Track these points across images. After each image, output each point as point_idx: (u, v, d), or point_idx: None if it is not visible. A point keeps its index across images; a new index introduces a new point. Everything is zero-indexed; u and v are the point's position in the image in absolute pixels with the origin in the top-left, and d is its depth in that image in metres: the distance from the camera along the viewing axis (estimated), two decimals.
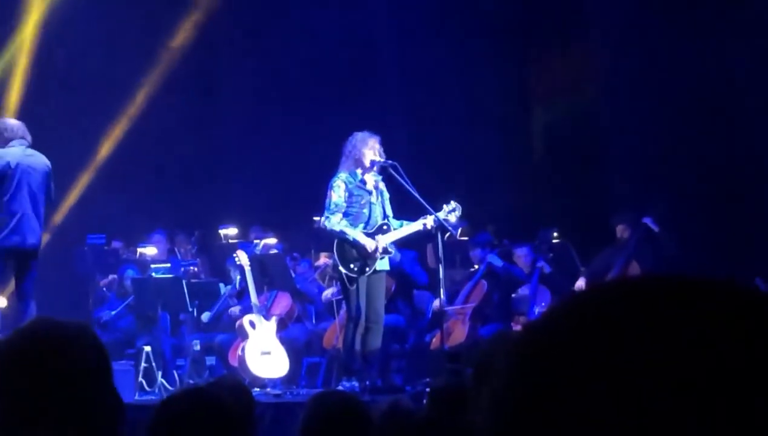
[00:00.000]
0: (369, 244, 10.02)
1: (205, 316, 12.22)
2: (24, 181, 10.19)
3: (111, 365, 2.54)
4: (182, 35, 16.30)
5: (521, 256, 12.49)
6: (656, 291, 0.93)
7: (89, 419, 2.36)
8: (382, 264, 10.22)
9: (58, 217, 14.85)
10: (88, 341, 2.47)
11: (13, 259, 10.20)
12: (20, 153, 10.26)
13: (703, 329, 0.89)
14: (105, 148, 16.07)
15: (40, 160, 10.47)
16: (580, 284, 12.03)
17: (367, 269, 10.08)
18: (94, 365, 2.44)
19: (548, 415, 0.89)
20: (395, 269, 11.19)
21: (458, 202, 10.29)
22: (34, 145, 10.36)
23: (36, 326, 2.52)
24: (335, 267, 10.34)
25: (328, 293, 12.27)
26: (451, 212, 10.15)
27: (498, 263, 12.30)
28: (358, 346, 10.11)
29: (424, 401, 5.88)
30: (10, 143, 10.30)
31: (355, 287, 10.06)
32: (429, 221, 10.10)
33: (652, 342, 0.88)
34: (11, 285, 10.48)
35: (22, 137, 10.41)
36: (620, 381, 0.87)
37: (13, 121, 10.63)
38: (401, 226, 10.25)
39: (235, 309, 12.12)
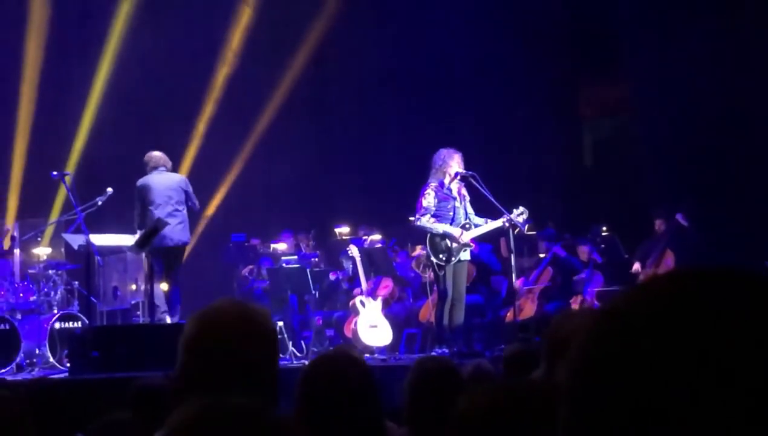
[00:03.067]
0: (455, 231, 10.09)
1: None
2: (161, 197, 10.51)
3: (278, 338, 2.61)
4: (297, 65, 16.41)
5: (583, 248, 12.47)
6: (709, 282, 0.89)
7: (266, 381, 2.37)
8: (464, 255, 10.24)
9: (204, 222, 15.06)
10: (267, 320, 2.46)
11: (163, 255, 10.51)
12: (159, 176, 10.61)
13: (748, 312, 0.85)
14: (240, 162, 16.25)
15: (175, 179, 10.82)
16: (636, 267, 11.98)
17: (453, 258, 10.14)
18: (270, 336, 2.46)
19: (624, 379, 0.86)
20: (475, 259, 11.22)
21: (523, 205, 10.28)
22: (179, 163, 10.57)
23: (229, 305, 2.47)
24: (428, 257, 10.40)
25: (426, 276, 12.32)
26: (520, 215, 10.17)
27: (562, 253, 12.29)
28: (446, 320, 10.18)
29: (501, 364, 5.82)
30: (154, 171, 10.65)
31: (443, 273, 10.13)
32: (504, 221, 10.17)
33: (719, 326, 0.84)
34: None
35: (163, 165, 10.76)
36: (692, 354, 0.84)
37: (156, 153, 10.87)
38: (485, 223, 10.31)
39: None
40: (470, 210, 10.36)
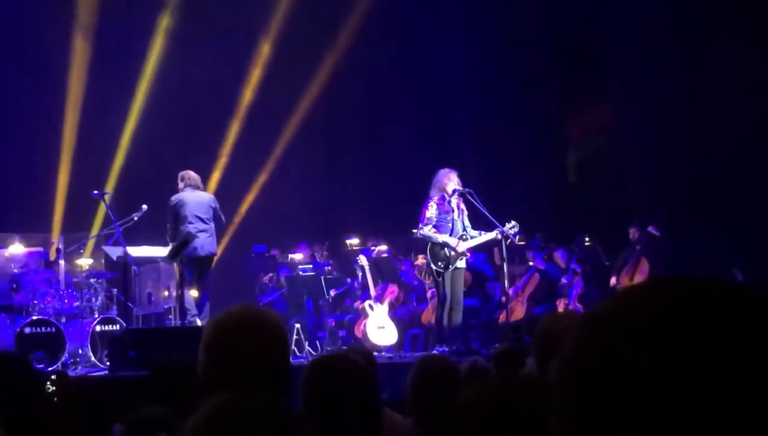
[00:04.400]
0: (452, 241, 10.11)
1: (331, 292, 12.22)
2: (192, 213, 10.54)
3: (288, 338, 2.60)
4: (311, 93, 16.43)
5: (556, 254, 12.49)
6: (688, 290, 0.88)
7: (278, 377, 2.39)
8: (461, 263, 10.27)
9: (229, 234, 15.07)
10: (277, 322, 2.49)
11: (194, 264, 10.52)
12: (191, 194, 10.65)
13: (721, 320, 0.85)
14: (261, 180, 16.27)
15: (204, 196, 10.87)
16: (613, 280, 11.97)
17: (451, 266, 10.15)
18: (281, 337, 2.47)
19: (611, 377, 0.85)
20: (470, 267, 11.20)
21: (514, 218, 10.27)
22: (206, 181, 10.62)
23: (243, 309, 2.49)
24: (428, 264, 10.40)
25: (428, 282, 12.32)
26: (511, 228, 10.18)
27: (542, 265, 12.28)
28: (445, 321, 10.18)
29: None
30: (187, 188, 10.69)
31: (441, 278, 10.15)
32: (497, 233, 10.16)
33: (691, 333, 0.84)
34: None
35: (196, 185, 10.81)
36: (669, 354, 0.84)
37: (191, 173, 10.94)
38: (479, 235, 10.30)
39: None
40: (467, 223, 10.37)
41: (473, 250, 10.58)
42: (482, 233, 10.29)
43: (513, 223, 10.18)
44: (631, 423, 0.84)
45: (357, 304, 12.02)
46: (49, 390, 3.34)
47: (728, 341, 0.83)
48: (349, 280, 12.69)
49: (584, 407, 0.87)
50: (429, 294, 11.98)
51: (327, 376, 2.95)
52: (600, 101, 15.43)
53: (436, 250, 10.16)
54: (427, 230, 10.17)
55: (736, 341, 0.83)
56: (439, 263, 10.12)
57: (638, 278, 11.65)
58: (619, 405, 0.84)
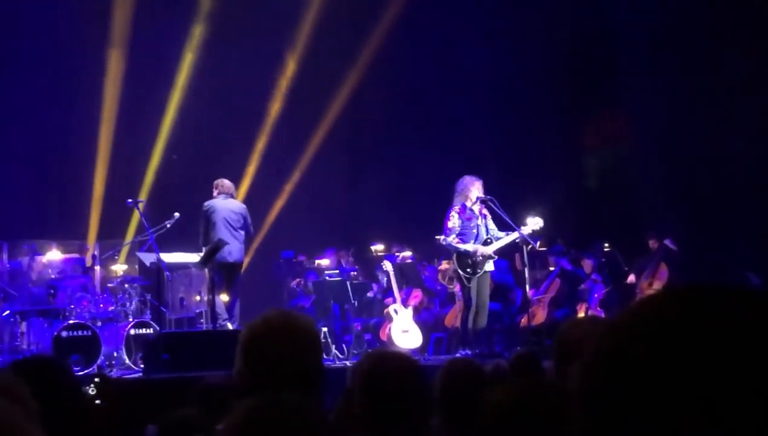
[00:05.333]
0: (475, 248, 10.11)
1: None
2: (224, 220, 10.59)
3: (321, 343, 2.60)
4: (336, 104, 16.46)
5: (587, 261, 12.43)
6: (708, 298, 0.89)
7: (311, 379, 2.41)
8: (488, 266, 10.26)
9: (258, 241, 15.10)
10: (310, 327, 2.52)
11: (224, 270, 10.56)
12: (222, 202, 10.70)
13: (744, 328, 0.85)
14: (288, 188, 16.32)
15: (235, 205, 10.92)
16: (631, 278, 11.94)
17: (478, 271, 10.15)
18: (315, 341, 2.50)
19: (629, 386, 0.86)
20: (492, 276, 11.17)
21: None
22: (237, 187, 10.68)
23: (278, 315, 2.52)
24: (456, 271, 10.38)
25: (452, 287, 12.30)
26: (536, 224, 10.17)
27: (569, 266, 12.25)
28: (470, 325, 10.17)
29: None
30: (220, 196, 10.74)
31: (469, 284, 10.15)
32: (518, 235, 10.14)
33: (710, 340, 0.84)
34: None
35: (229, 193, 10.86)
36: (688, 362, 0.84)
37: (227, 182, 11.01)
38: (506, 235, 10.25)
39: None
40: (492, 226, 10.37)
41: (498, 253, 10.53)
42: (508, 233, 10.27)
43: (537, 218, 10.18)
44: (648, 430, 0.84)
45: (388, 301, 11.99)
46: (92, 392, 3.36)
47: (746, 350, 0.83)
48: (374, 285, 12.68)
49: (604, 413, 0.88)
50: (457, 291, 11.99)
51: (385, 367, 2.90)
52: (617, 110, 15.39)
53: (463, 258, 10.17)
54: (451, 240, 10.17)
55: (755, 351, 0.83)
56: (467, 269, 10.12)
57: (657, 284, 11.62)
58: (637, 413, 0.85)
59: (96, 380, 3.53)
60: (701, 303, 0.88)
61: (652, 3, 14.14)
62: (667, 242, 11.77)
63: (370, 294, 12.58)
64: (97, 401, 3.32)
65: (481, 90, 15.81)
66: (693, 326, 0.86)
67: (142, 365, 9.75)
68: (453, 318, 11.73)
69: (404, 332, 11.28)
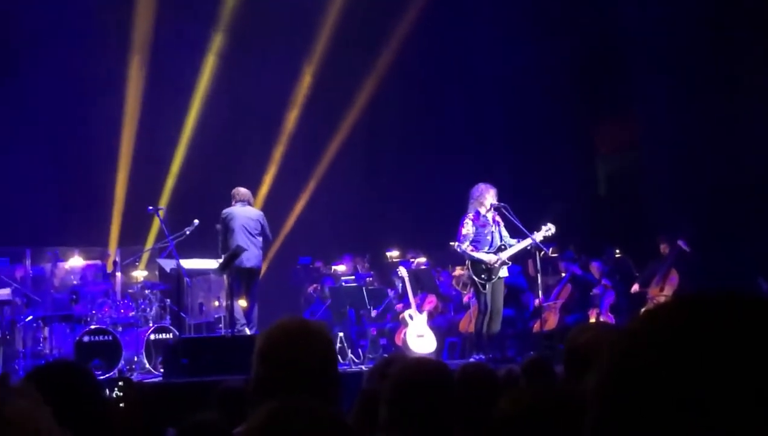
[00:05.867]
0: (490, 258, 10.10)
1: (373, 312, 12.29)
2: (241, 227, 10.61)
3: (335, 346, 2.60)
4: (352, 115, 16.48)
5: (594, 265, 12.40)
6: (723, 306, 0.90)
7: (327, 383, 2.40)
8: (503, 272, 10.25)
9: (276, 247, 15.12)
10: (324, 332, 2.51)
11: (242, 276, 10.58)
12: (240, 209, 10.73)
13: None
14: (305, 196, 16.34)
15: (253, 212, 10.94)
16: (635, 288, 11.90)
17: (493, 277, 10.14)
18: (329, 347, 2.49)
19: (646, 391, 0.86)
20: (505, 281, 11.18)
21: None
22: (255, 195, 10.71)
23: (292, 321, 2.52)
24: (470, 277, 10.37)
25: (466, 293, 12.30)
26: (548, 230, 10.15)
27: (579, 272, 12.22)
28: (484, 330, 10.16)
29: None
30: (237, 203, 10.77)
31: (484, 290, 10.14)
32: (531, 241, 10.13)
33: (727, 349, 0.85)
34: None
35: (247, 200, 10.89)
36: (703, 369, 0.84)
37: (243, 189, 11.03)
38: (517, 242, 10.25)
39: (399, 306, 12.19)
40: (505, 233, 10.34)
41: (512, 259, 10.52)
42: (519, 240, 10.26)
43: (549, 225, 10.15)
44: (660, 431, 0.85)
45: (398, 309, 11.99)
46: (116, 396, 3.38)
47: (755, 359, 0.84)
48: (390, 291, 12.68)
49: (618, 419, 0.89)
50: (466, 299, 11.98)
51: (418, 373, 2.86)
52: (628, 117, 15.37)
53: (477, 265, 10.15)
54: (466, 247, 10.15)
55: (760, 362, 0.84)
56: (482, 276, 10.10)
57: (668, 289, 11.57)
58: (649, 420, 0.86)
59: (120, 383, 3.55)
60: (711, 312, 0.89)
61: (664, 11, 14.09)
62: (680, 242, 11.72)
63: (390, 293, 12.58)
64: (120, 405, 3.34)
65: (494, 100, 15.83)
66: (703, 335, 0.87)
67: (161, 370, 9.79)
68: (467, 323, 11.72)
69: (419, 336, 11.26)
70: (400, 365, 2.91)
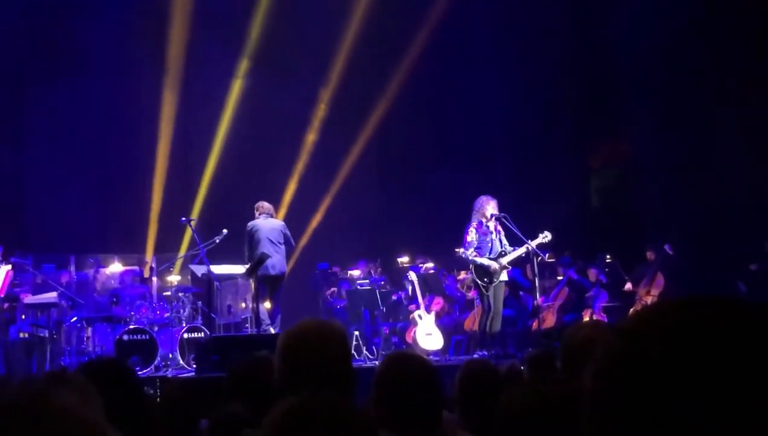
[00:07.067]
0: (493, 265, 10.09)
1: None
2: (266, 238, 10.62)
3: (350, 345, 2.61)
4: (365, 133, 16.49)
5: (592, 271, 12.38)
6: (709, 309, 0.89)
7: (343, 378, 2.41)
8: (503, 276, 10.24)
9: (297, 254, 15.12)
10: (340, 331, 2.53)
11: (267, 282, 10.58)
12: (263, 221, 10.74)
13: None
14: (323, 207, 16.34)
15: (275, 223, 10.96)
16: (628, 286, 11.87)
17: (495, 280, 10.13)
18: (344, 345, 2.51)
19: (636, 387, 0.87)
20: (508, 279, 11.17)
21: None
22: (277, 208, 10.73)
23: (311, 322, 2.53)
24: (474, 281, 10.35)
25: (470, 294, 12.29)
26: (545, 237, 10.13)
27: (575, 276, 12.20)
28: (487, 329, 10.14)
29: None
30: (261, 216, 10.78)
31: (487, 292, 10.12)
32: (528, 248, 10.10)
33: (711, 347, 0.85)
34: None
35: (269, 213, 10.90)
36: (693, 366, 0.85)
37: (266, 203, 11.04)
38: (514, 250, 10.25)
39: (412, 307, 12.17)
40: (505, 241, 10.33)
41: (511, 264, 10.50)
42: (516, 248, 10.26)
43: (546, 233, 10.13)
44: (650, 429, 0.86)
45: (412, 307, 11.99)
46: (152, 392, 3.38)
47: (736, 357, 0.85)
48: (401, 293, 12.66)
49: (612, 410, 0.89)
50: (471, 295, 11.96)
51: (402, 367, 2.88)
52: (618, 137, 15.37)
53: (481, 270, 10.15)
54: (470, 253, 10.15)
55: (743, 358, 0.85)
56: (485, 279, 10.11)
57: (654, 291, 11.55)
58: (641, 411, 0.86)
59: (158, 382, 3.55)
60: (696, 313, 0.89)
61: (651, 43, 14.11)
62: (666, 247, 11.71)
63: (394, 297, 12.55)
64: (157, 400, 3.34)
65: (496, 120, 15.85)
66: (688, 333, 0.87)
67: (194, 365, 9.79)
68: (471, 322, 11.69)
69: (428, 335, 11.24)
70: (385, 362, 2.92)
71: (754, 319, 0.88)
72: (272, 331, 10.28)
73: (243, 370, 3.74)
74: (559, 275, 12.43)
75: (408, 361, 2.91)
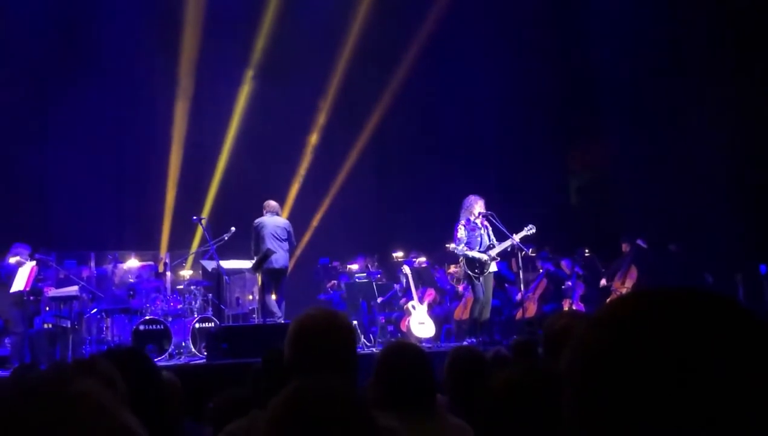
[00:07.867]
0: (482, 257, 10.10)
1: (379, 299, 12.18)
2: (270, 234, 10.59)
3: (356, 332, 2.60)
4: (364, 135, 16.45)
5: (563, 263, 12.41)
6: (674, 299, 0.89)
7: (347, 364, 2.41)
8: (492, 267, 10.25)
9: (300, 249, 15.11)
10: (346, 320, 2.52)
11: (272, 275, 10.57)
12: (270, 219, 10.70)
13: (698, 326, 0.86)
14: (324, 206, 16.32)
15: (281, 221, 10.89)
16: (603, 282, 11.87)
17: (485, 271, 10.14)
18: (350, 333, 2.49)
19: (610, 373, 0.87)
20: (496, 272, 11.17)
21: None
22: (282, 204, 10.69)
23: (317, 311, 2.52)
24: (466, 273, 10.35)
25: (459, 287, 12.29)
26: (529, 230, 10.14)
27: (551, 268, 12.22)
28: (477, 315, 10.15)
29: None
30: (267, 214, 10.76)
31: (477, 282, 10.14)
32: (512, 242, 10.11)
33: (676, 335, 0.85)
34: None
35: (275, 211, 10.86)
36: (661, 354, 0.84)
37: (273, 202, 10.97)
38: (499, 244, 10.26)
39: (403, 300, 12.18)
40: (492, 236, 10.34)
41: (499, 256, 10.51)
42: (501, 242, 10.27)
43: (530, 226, 10.15)
44: (624, 412, 0.85)
45: (402, 301, 12.00)
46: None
47: (703, 344, 0.84)
48: (396, 285, 12.67)
49: (588, 394, 0.89)
50: (461, 289, 11.97)
51: (399, 354, 2.91)
52: (596, 140, 15.38)
53: (471, 262, 10.15)
54: (461, 248, 10.16)
55: (710, 344, 0.84)
56: (476, 270, 10.11)
57: (629, 282, 11.55)
58: (615, 395, 0.86)
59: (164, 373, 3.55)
60: (665, 302, 0.89)
61: (626, 53, 14.13)
62: (639, 241, 11.72)
63: (396, 287, 12.56)
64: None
65: (485, 124, 15.87)
66: (658, 321, 0.87)
67: (205, 353, 9.80)
68: (461, 312, 11.71)
69: (420, 324, 11.25)
70: (383, 351, 2.96)
71: (707, 310, 0.87)
72: (278, 321, 10.28)
73: (276, 356, 3.76)
74: (538, 269, 12.44)
75: (405, 349, 2.95)
